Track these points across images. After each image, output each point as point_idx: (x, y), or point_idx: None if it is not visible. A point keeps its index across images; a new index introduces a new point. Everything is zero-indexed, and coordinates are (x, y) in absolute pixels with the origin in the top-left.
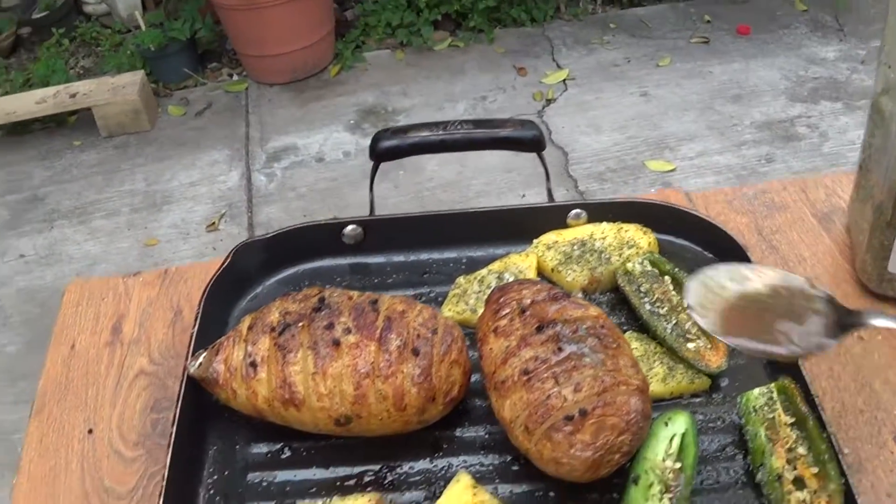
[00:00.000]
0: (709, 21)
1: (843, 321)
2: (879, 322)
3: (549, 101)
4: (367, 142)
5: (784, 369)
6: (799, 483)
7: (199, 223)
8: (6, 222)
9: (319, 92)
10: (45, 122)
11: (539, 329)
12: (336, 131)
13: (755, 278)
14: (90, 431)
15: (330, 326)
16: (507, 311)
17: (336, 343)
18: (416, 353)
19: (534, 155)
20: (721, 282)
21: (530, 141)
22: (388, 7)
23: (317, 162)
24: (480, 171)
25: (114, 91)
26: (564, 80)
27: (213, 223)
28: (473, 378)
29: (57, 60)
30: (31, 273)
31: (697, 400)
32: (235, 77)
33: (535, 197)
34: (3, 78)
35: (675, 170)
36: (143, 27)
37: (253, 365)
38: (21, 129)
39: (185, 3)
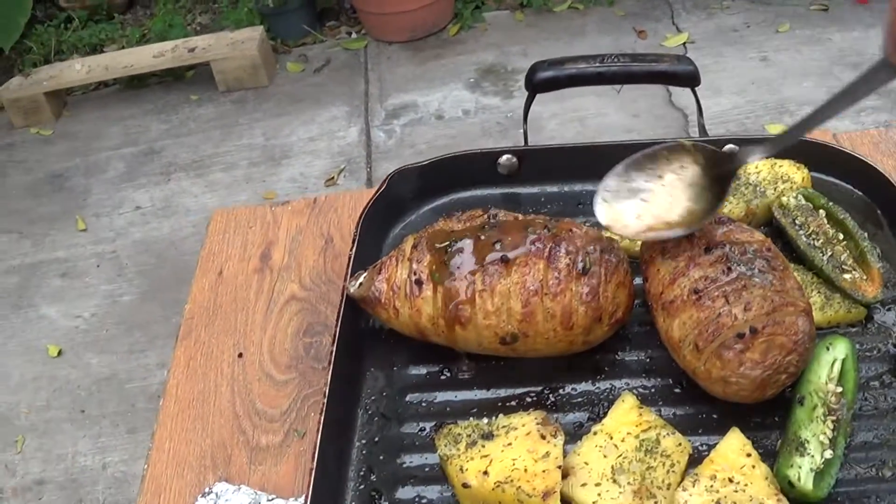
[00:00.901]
0: None
1: (721, 171)
2: (753, 159)
3: None
4: (487, 100)
5: None
6: None
7: (317, 177)
8: (123, 175)
9: (439, 51)
10: (162, 76)
11: (707, 250)
12: (456, 90)
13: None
14: (240, 355)
15: (498, 243)
16: None
17: (505, 260)
18: (584, 272)
19: (655, 115)
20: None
21: (686, 75)
22: None
23: (436, 119)
24: (601, 132)
25: (233, 46)
26: (684, 44)
27: (332, 178)
28: (635, 303)
29: (174, 16)
30: (147, 224)
31: (853, 330)
32: (354, 35)
33: None
34: (118, 34)
35: None
36: None
37: (418, 283)
38: (137, 84)
39: None
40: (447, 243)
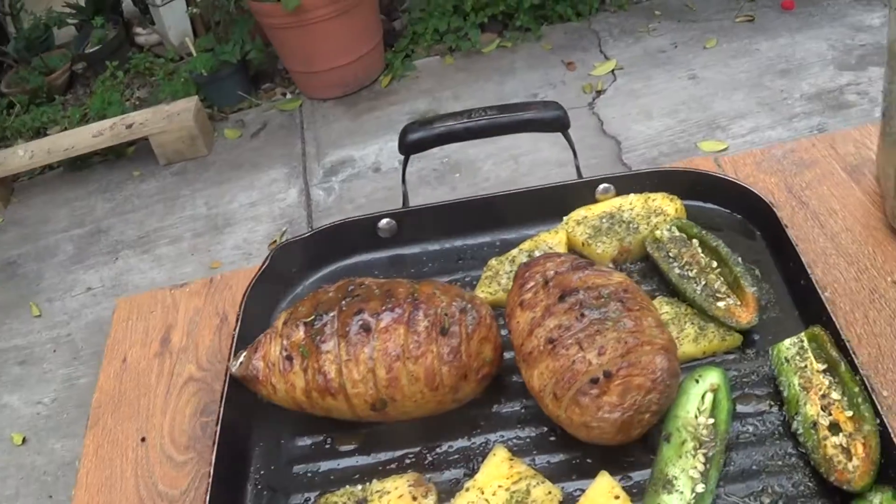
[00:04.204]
0: None
1: None
2: None
3: (598, 93)
4: None
5: (815, 320)
6: (834, 428)
7: (261, 242)
8: (72, 257)
9: (372, 103)
10: (105, 154)
11: (561, 298)
12: (391, 140)
13: None
14: (143, 439)
15: (360, 312)
16: (532, 283)
17: (366, 328)
18: (444, 332)
19: (588, 145)
20: None
21: (553, 121)
22: (435, 14)
23: (373, 172)
24: (535, 167)
25: (169, 119)
26: (613, 71)
27: (275, 241)
28: (508, 355)
29: (112, 93)
30: (98, 305)
31: (731, 357)
32: (289, 95)
33: None
34: (60, 115)
35: (727, 148)
36: (195, 53)
37: (289, 358)
38: (81, 164)
39: (234, 25)
40: (313, 317)
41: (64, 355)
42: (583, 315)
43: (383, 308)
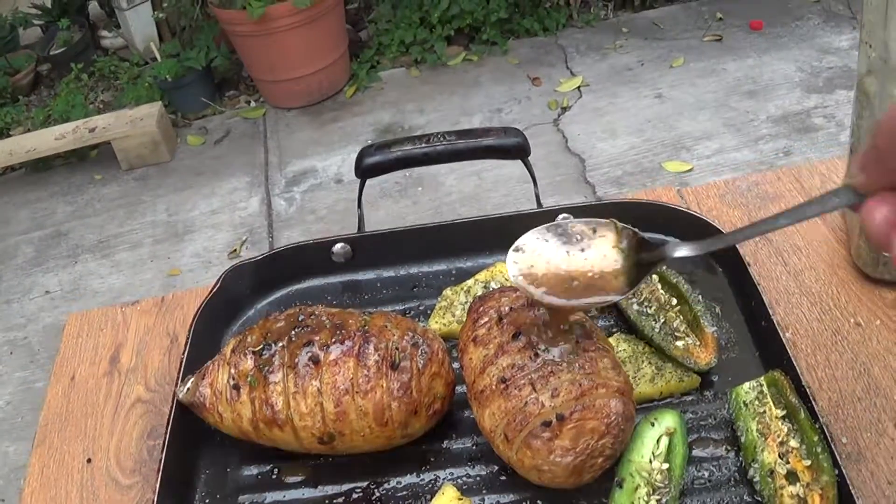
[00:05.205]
0: (721, 18)
1: (643, 260)
2: (678, 253)
3: (564, 109)
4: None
5: (776, 362)
6: (792, 477)
7: (220, 251)
8: (31, 259)
9: (336, 113)
10: (67, 157)
11: (515, 336)
12: (353, 152)
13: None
14: (89, 461)
15: (309, 344)
16: (486, 319)
17: (315, 361)
18: (394, 367)
19: (552, 162)
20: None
21: (513, 148)
22: (402, 25)
23: (335, 183)
24: (499, 183)
25: (132, 124)
26: (579, 88)
27: (235, 250)
28: (460, 390)
29: (76, 95)
30: (56, 309)
31: (689, 398)
32: (253, 103)
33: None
34: (23, 116)
35: (692, 169)
36: (160, 58)
37: (236, 387)
38: (42, 166)
39: (200, 32)
40: (261, 346)
41: (20, 358)
42: (536, 355)
43: (333, 340)
